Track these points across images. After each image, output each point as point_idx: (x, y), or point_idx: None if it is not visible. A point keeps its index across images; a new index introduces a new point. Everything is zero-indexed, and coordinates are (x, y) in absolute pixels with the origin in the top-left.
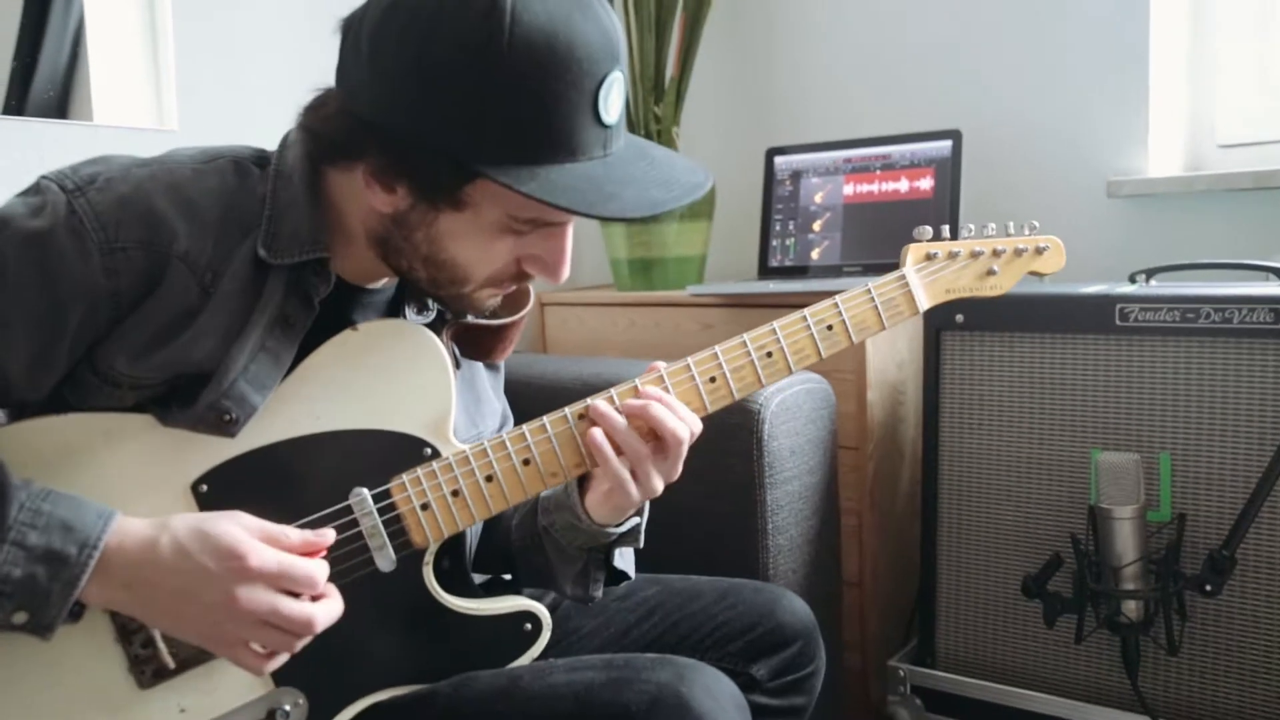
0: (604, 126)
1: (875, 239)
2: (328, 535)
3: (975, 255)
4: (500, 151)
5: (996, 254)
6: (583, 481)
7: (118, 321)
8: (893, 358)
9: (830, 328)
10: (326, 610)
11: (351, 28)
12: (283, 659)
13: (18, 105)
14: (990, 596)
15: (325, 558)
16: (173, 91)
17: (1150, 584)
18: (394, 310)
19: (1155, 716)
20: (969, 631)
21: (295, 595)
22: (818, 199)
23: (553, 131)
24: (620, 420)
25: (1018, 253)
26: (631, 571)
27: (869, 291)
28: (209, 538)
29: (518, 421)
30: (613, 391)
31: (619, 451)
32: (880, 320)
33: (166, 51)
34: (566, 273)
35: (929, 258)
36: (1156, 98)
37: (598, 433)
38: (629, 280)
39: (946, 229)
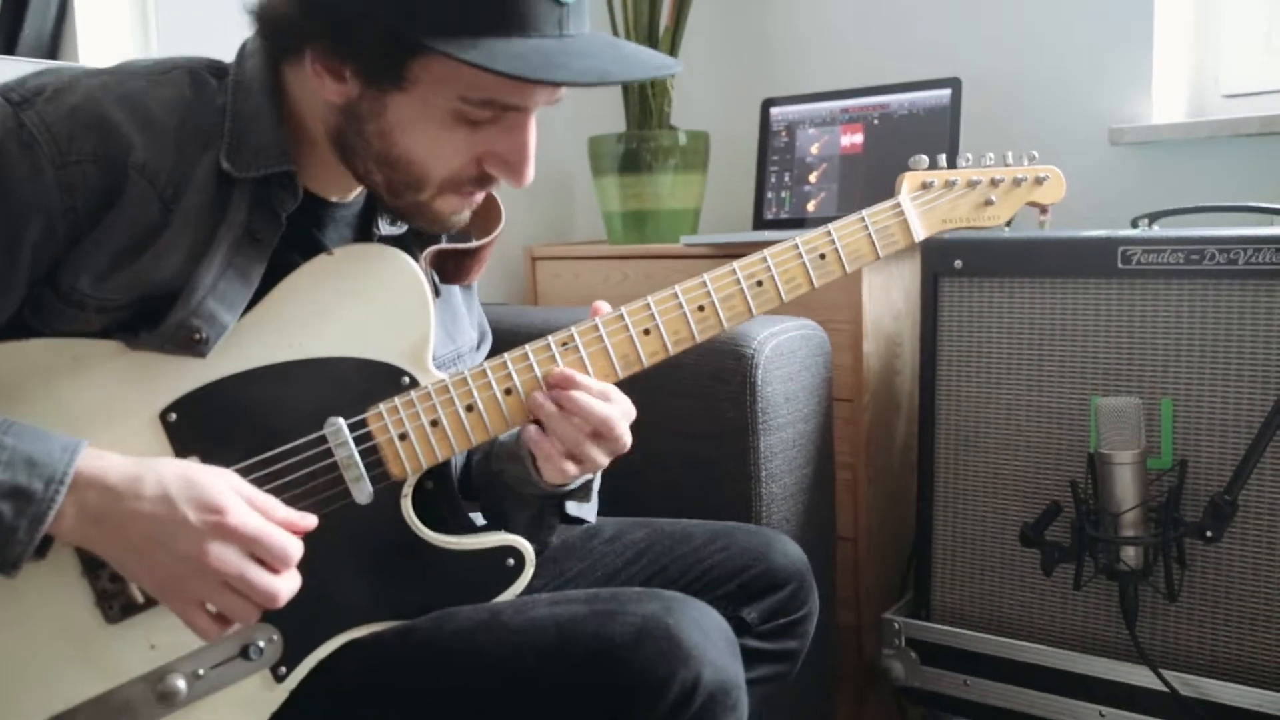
0: (558, 2)
1: (873, 190)
2: (310, 519)
3: (972, 184)
4: (443, 22)
5: (994, 183)
6: None
7: (77, 239)
8: (889, 308)
9: (823, 256)
10: (289, 584)
11: None
12: (234, 629)
13: (7, 46)
14: (987, 548)
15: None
16: (154, 27)
17: (1150, 531)
18: (365, 224)
19: (1153, 665)
20: (965, 583)
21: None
22: (814, 150)
23: (500, 1)
24: (552, 408)
25: (1016, 182)
26: (591, 517)
27: (863, 219)
28: (195, 486)
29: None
30: (599, 322)
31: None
32: (874, 249)
33: None
34: (531, 173)
35: (925, 186)
36: (1161, 44)
37: (531, 429)
38: (622, 233)
39: (943, 158)
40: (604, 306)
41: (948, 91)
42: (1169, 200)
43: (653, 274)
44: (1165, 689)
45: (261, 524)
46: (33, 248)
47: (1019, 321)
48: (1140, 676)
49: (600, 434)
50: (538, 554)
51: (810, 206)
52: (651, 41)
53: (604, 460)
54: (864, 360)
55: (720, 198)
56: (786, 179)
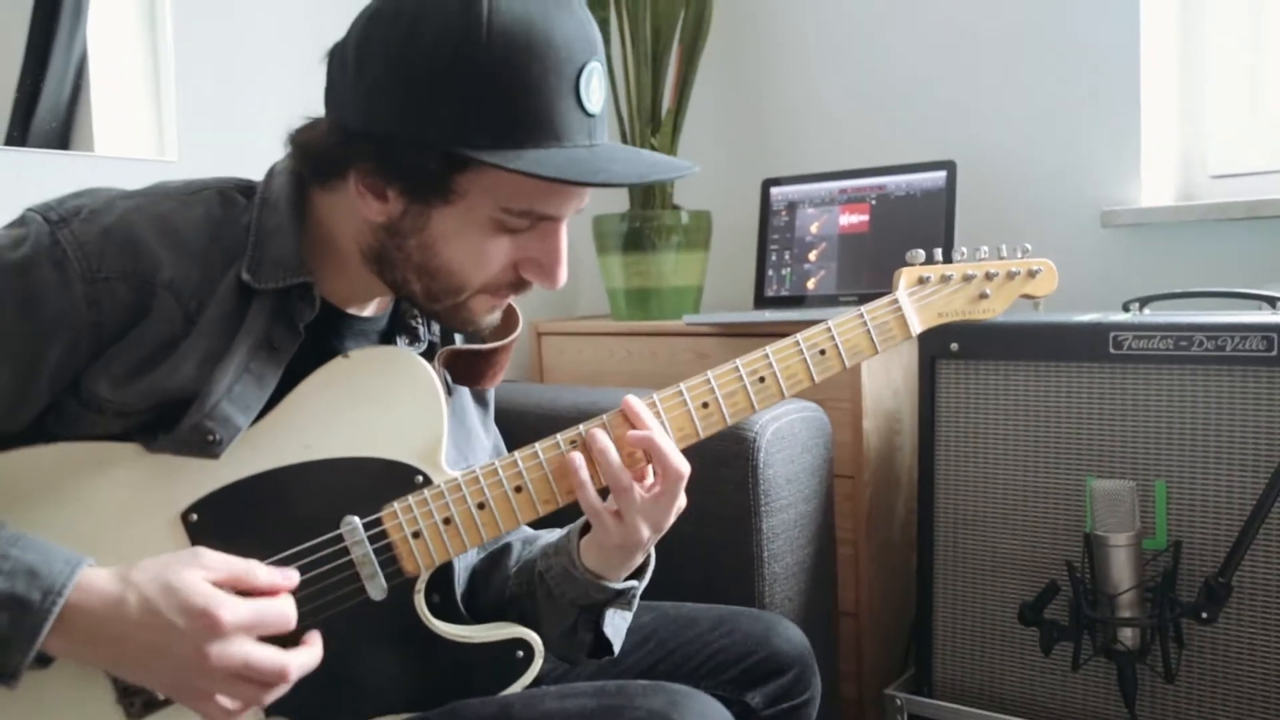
0: (587, 115)
1: (871, 268)
2: (293, 575)
3: (968, 278)
4: (487, 138)
5: (989, 277)
6: (585, 528)
7: (100, 353)
8: (888, 386)
9: (823, 352)
10: (302, 659)
11: (337, 52)
12: (253, 712)
13: (20, 136)
14: (986, 624)
15: (305, 583)
16: (173, 123)
17: (1146, 611)
18: (386, 341)
19: None
20: (965, 660)
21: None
22: (813, 229)
23: (537, 116)
24: (611, 449)
25: (1010, 275)
26: (617, 647)
27: (861, 315)
28: (176, 593)
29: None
30: (605, 419)
31: (599, 482)
32: (873, 344)
33: (168, 83)
34: (564, 276)
35: (921, 281)
36: (1148, 128)
37: (576, 456)
38: (625, 310)
39: (939, 252)
40: (633, 400)
41: (943, 174)
42: (1159, 281)
43: (657, 351)
44: None
45: (254, 607)
46: (57, 362)
47: (1014, 403)
48: None
49: (664, 471)
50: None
51: (810, 284)
52: (655, 124)
53: (641, 525)
54: (864, 438)
55: (722, 275)
56: (787, 257)
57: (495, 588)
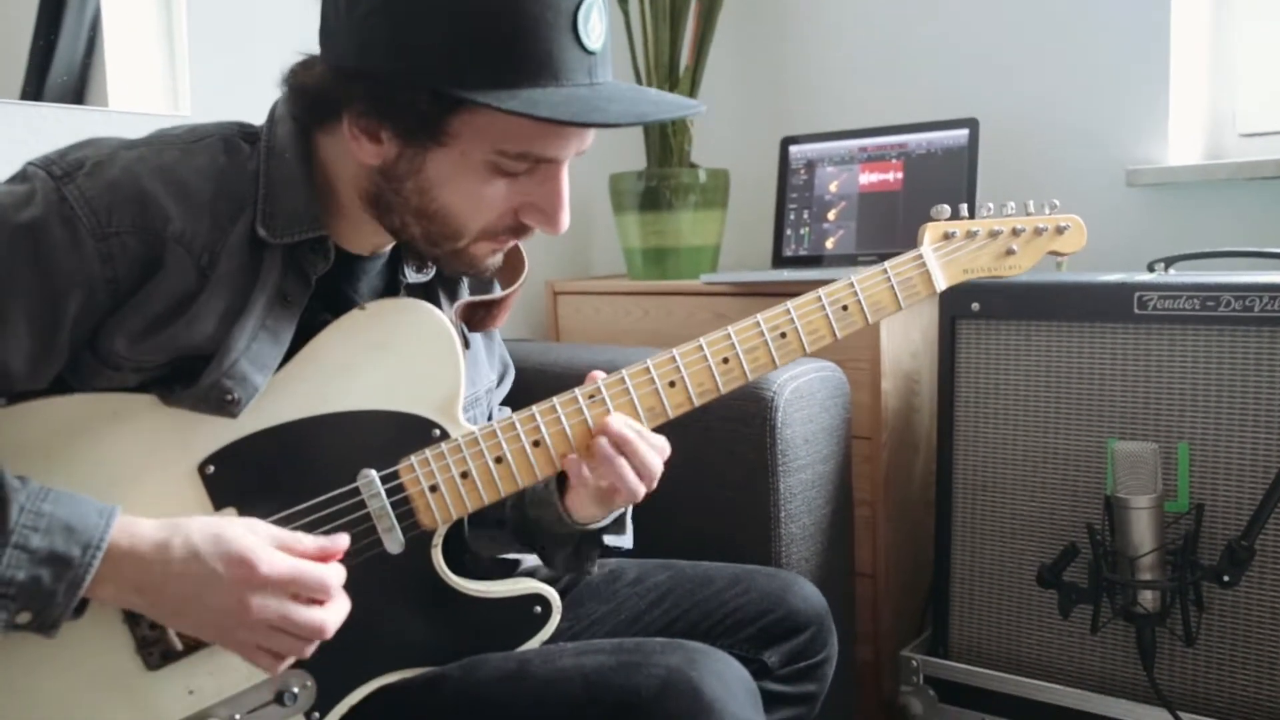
0: (586, 52)
1: (891, 227)
2: (341, 541)
3: (994, 234)
4: (480, 77)
5: (1016, 233)
6: (561, 483)
7: (117, 307)
8: (907, 347)
9: (845, 308)
10: (336, 614)
11: None
12: (291, 660)
13: (35, 91)
14: (1004, 587)
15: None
16: (186, 77)
17: (1167, 574)
18: (391, 272)
19: (1171, 707)
20: (982, 622)
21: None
22: (833, 188)
23: (533, 53)
24: (610, 452)
25: (1037, 232)
26: (628, 543)
27: (885, 271)
28: (222, 542)
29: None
30: (625, 374)
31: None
32: (897, 300)
33: (181, 36)
34: (566, 220)
35: (946, 237)
36: (1177, 85)
37: (574, 459)
38: (642, 270)
39: (965, 208)
40: (599, 375)
41: (965, 132)
42: (1186, 242)
43: (673, 310)
44: None
45: (292, 565)
46: (74, 318)
47: (1036, 364)
48: (1158, 718)
49: (642, 476)
50: (581, 582)
51: (829, 244)
52: (672, 81)
53: (642, 493)
54: (882, 399)
55: (740, 234)
56: (805, 216)
57: (490, 517)
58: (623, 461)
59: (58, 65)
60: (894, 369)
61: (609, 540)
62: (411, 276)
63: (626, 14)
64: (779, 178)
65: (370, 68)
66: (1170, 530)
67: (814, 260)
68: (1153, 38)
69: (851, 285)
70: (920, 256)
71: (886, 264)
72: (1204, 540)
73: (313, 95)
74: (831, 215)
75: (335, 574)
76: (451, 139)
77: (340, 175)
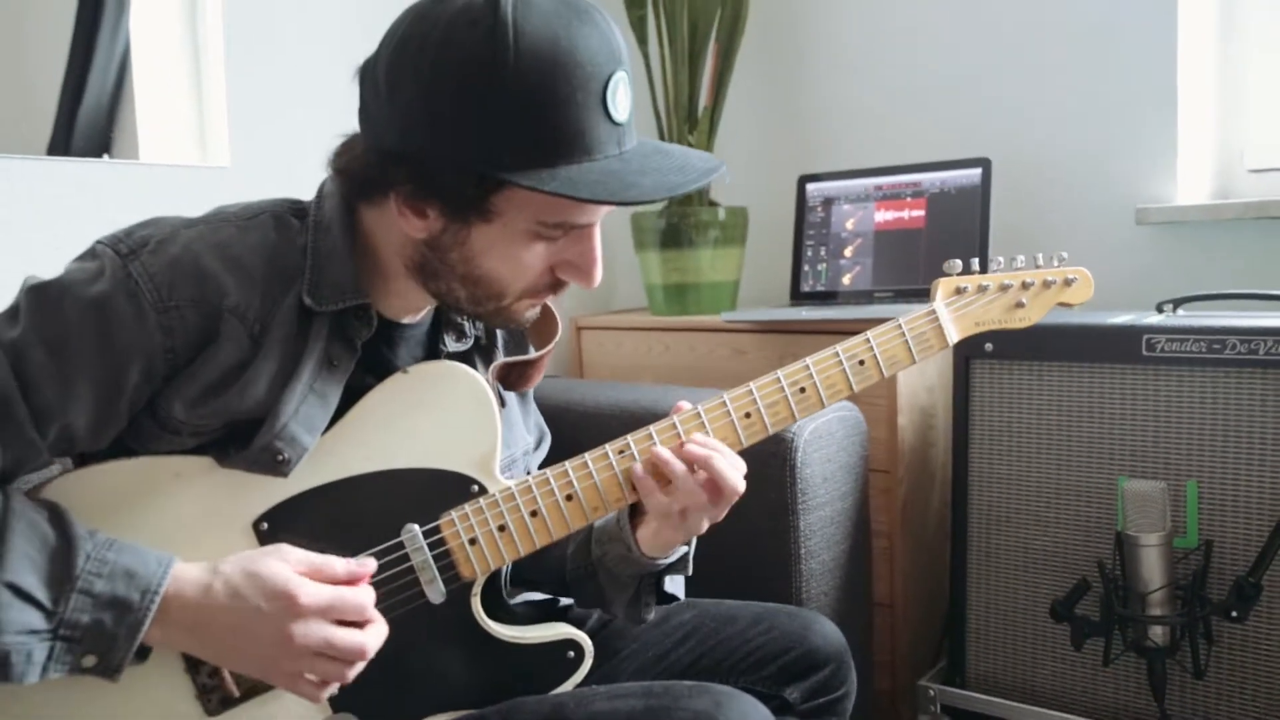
0: (615, 124)
1: (906, 264)
2: (369, 564)
3: (1004, 288)
4: (520, 159)
5: (1025, 286)
6: (634, 515)
7: (173, 376)
8: (922, 383)
9: (862, 362)
10: (376, 635)
11: (368, 72)
12: (336, 687)
13: (63, 143)
14: (1019, 618)
15: (371, 584)
16: (224, 128)
17: (1177, 609)
18: (431, 341)
19: None
20: (998, 652)
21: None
22: (849, 225)
23: (567, 133)
24: (680, 467)
25: (1046, 285)
26: (681, 594)
27: (900, 326)
28: (258, 578)
29: (555, 447)
30: (652, 430)
31: (669, 491)
32: (911, 354)
33: (213, 87)
34: (599, 275)
35: (959, 291)
36: (1185, 123)
37: (644, 475)
38: (664, 305)
39: (976, 262)
40: (684, 405)
41: (978, 171)
42: (1194, 279)
43: (695, 346)
44: None
45: (331, 592)
46: (135, 385)
47: (1047, 403)
48: None
49: (720, 493)
50: (611, 624)
51: (845, 280)
52: (691, 121)
53: (704, 525)
54: (899, 433)
55: (759, 270)
56: (822, 253)
57: (549, 566)
58: (697, 478)
59: (84, 117)
60: (910, 404)
61: (668, 586)
62: (451, 345)
63: (646, 56)
64: (796, 215)
65: (416, 151)
66: (1180, 565)
67: (830, 296)
68: (1161, 78)
69: (868, 340)
70: (934, 312)
71: (901, 320)
72: (1213, 575)
73: (360, 178)
74: (848, 252)
75: (369, 596)
76: (495, 215)
77: (385, 244)
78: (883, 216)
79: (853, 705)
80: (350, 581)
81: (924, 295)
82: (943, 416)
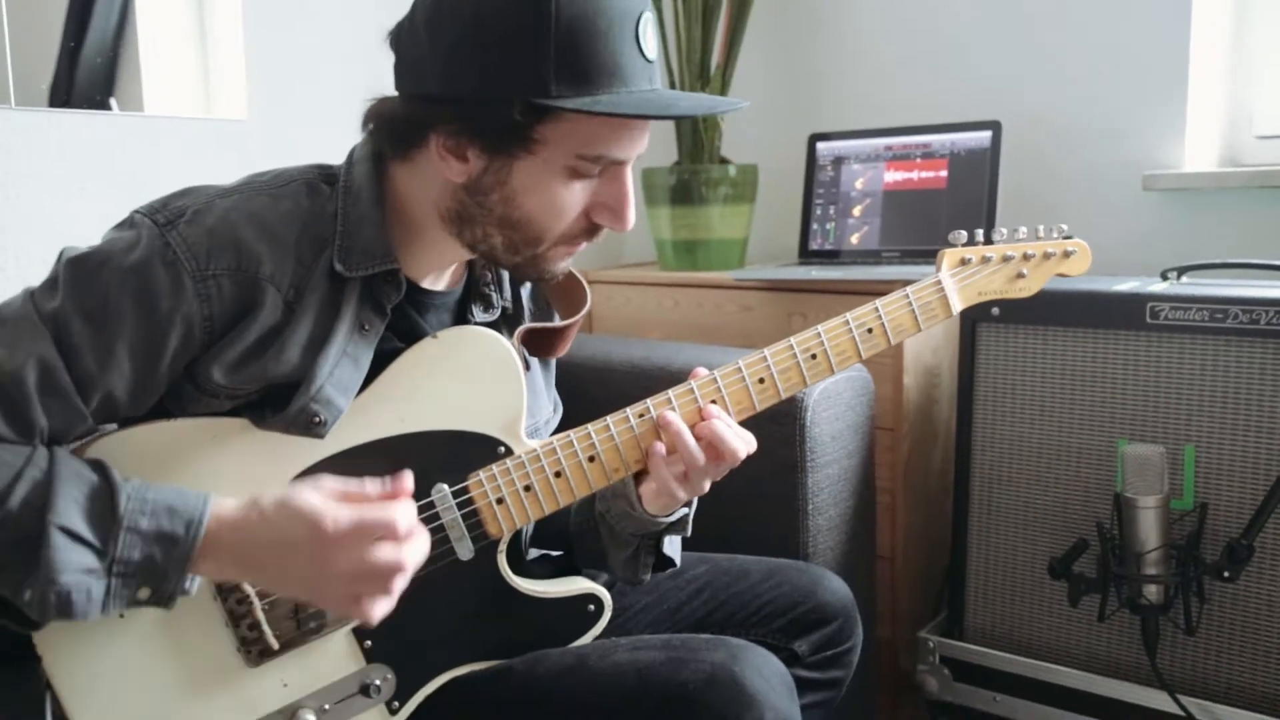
0: (647, 61)
1: (913, 225)
2: (406, 480)
3: (1006, 259)
4: (564, 86)
5: (1026, 258)
6: (639, 474)
7: (211, 343)
8: (928, 343)
9: (870, 330)
10: (413, 550)
11: (404, 28)
12: (388, 605)
13: (64, 95)
14: (1017, 575)
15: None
16: (241, 79)
17: (1171, 569)
18: (461, 310)
19: (1171, 691)
20: (996, 607)
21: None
22: (858, 185)
23: (608, 64)
24: (687, 434)
25: (1046, 256)
26: (678, 559)
27: (907, 296)
28: (288, 507)
29: (568, 405)
30: (671, 395)
31: (676, 457)
32: (917, 323)
33: (227, 37)
34: (633, 217)
35: (963, 262)
36: (1195, 88)
37: (658, 445)
38: (673, 260)
39: (980, 233)
40: (702, 370)
41: (988, 133)
42: (1201, 246)
43: (703, 302)
44: (1183, 714)
45: (355, 513)
46: (174, 352)
47: (1051, 367)
48: (1160, 701)
49: (721, 458)
50: (634, 587)
51: (853, 239)
52: (704, 79)
53: (705, 486)
54: (904, 392)
55: (768, 228)
56: (831, 212)
57: (555, 523)
58: (700, 442)
59: (85, 64)
60: (915, 364)
61: (666, 548)
62: (479, 316)
63: (660, 14)
64: (806, 174)
65: (460, 89)
66: (1175, 527)
67: (838, 255)
68: (1172, 43)
69: (876, 309)
70: (939, 282)
71: (908, 290)
72: (1207, 537)
73: (400, 129)
74: (856, 211)
75: (403, 511)
76: (539, 145)
77: (420, 200)
78: (892, 177)
79: (858, 658)
80: (385, 498)
81: (930, 256)
82: (947, 377)
